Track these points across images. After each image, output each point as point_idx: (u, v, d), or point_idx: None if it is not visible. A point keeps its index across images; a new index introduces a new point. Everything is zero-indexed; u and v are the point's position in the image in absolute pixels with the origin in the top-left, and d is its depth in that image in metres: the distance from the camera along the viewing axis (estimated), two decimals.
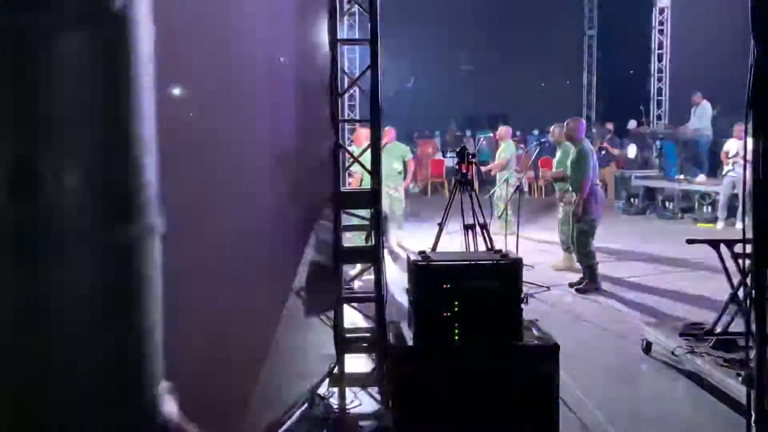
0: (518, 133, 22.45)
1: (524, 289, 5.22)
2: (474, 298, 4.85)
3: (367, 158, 5.80)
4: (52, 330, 1.37)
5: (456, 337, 4.85)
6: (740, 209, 13.44)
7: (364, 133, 10.63)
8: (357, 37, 6.96)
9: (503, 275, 4.91)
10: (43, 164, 1.34)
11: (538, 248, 12.24)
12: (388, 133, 11.44)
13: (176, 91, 2.89)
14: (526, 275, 8.03)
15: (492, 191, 13.01)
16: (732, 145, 14.52)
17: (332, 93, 5.79)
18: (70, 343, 1.39)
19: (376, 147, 5.78)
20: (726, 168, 14.57)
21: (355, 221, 5.97)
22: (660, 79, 20.43)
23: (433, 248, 7.64)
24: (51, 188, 1.35)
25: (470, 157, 7.85)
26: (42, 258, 1.36)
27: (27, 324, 1.37)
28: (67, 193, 1.35)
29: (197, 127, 3.10)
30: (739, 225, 13.50)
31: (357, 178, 10.48)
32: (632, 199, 17.26)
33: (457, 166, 7.97)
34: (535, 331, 5.11)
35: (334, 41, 5.75)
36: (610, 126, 20.26)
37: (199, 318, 3.01)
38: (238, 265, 3.59)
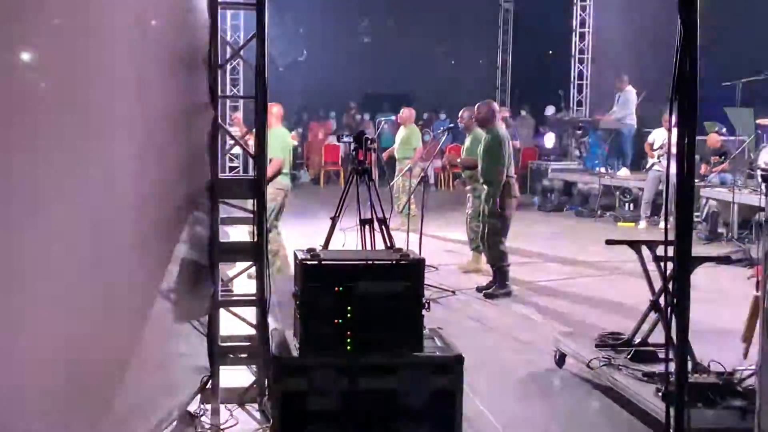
0: (424, 116, 22.65)
1: (427, 293, 5.27)
2: (370, 303, 4.87)
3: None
4: None
5: (348, 348, 4.86)
6: (664, 207, 13.91)
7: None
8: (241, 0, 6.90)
9: (403, 277, 4.95)
10: None
11: (444, 247, 12.39)
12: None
13: (18, 58, 2.79)
14: (429, 277, 8.11)
15: (393, 182, 13.07)
16: (657, 136, 14.99)
17: (211, 65, 5.71)
18: None
19: (261, 128, 5.73)
20: (651, 161, 15.04)
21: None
22: (581, 61, 20.90)
23: (325, 246, 7.62)
24: None
25: (369, 142, 7.85)
26: None
27: None
28: None
29: (42, 102, 3.00)
30: (662, 225, 13.96)
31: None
32: (548, 194, 17.64)
33: (354, 153, 7.97)
34: (437, 341, 5.17)
35: (213, 4, 5.67)
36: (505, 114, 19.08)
37: (40, 326, 2.93)
38: (91, 263, 3.50)
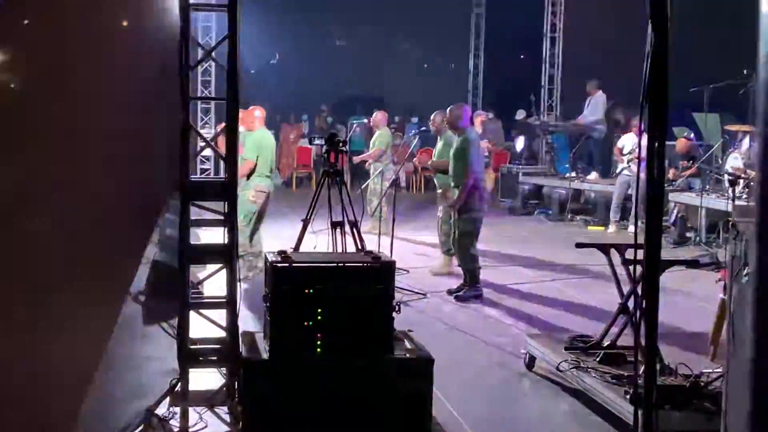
0: (396, 119, 22.65)
1: (397, 295, 5.26)
2: (340, 306, 4.86)
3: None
4: None
5: (318, 350, 4.85)
6: (633, 211, 13.99)
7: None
8: (212, 1, 6.82)
9: (374, 280, 4.94)
10: None
11: (415, 250, 12.38)
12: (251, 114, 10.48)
13: None
14: (400, 280, 8.11)
15: (365, 185, 13.06)
16: (627, 141, 15.09)
17: (182, 66, 5.67)
18: None
19: (233, 130, 5.70)
20: (620, 166, 15.12)
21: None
22: (552, 66, 20.98)
23: (296, 248, 7.60)
24: None
25: (340, 144, 7.83)
26: None
27: None
28: None
29: (14, 103, 2.97)
30: (632, 229, 14.04)
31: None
32: (519, 198, 17.68)
33: (325, 155, 7.95)
34: (407, 343, 5.16)
35: (185, 5, 5.63)
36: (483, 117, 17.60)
37: (7, 327, 2.89)
38: (60, 264, 3.46)
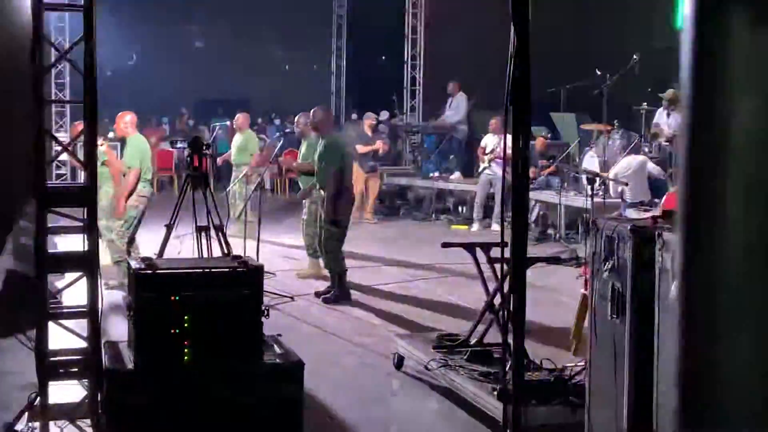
0: (259, 121, 22.51)
1: (265, 299, 5.23)
2: (207, 312, 4.80)
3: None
4: None
5: (186, 358, 4.77)
6: (497, 210, 14.31)
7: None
8: (66, 1, 6.67)
9: (241, 284, 4.90)
10: None
11: (282, 253, 12.34)
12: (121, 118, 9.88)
13: None
14: (268, 284, 8.04)
15: (229, 188, 12.94)
16: (489, 141, 15.39)
17: (35, 68, 5.49)
18: None
19: (92, 135, 5.55)
20: (482, 165, 15.42)
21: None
22: (414, 67, 21.24)
23: (160, 254, 7.46)
24: None
25: (204, 147, 7.74)
26: None
27: None
28: None
29: None
30: (495, 227, 14.35)
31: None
32: (384, 199, 17.82)
33: (188, 159, 7.84)
34: (277, 348, 5.14)
35: (37, 6, 5.46)
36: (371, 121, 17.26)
37: None
38: None
